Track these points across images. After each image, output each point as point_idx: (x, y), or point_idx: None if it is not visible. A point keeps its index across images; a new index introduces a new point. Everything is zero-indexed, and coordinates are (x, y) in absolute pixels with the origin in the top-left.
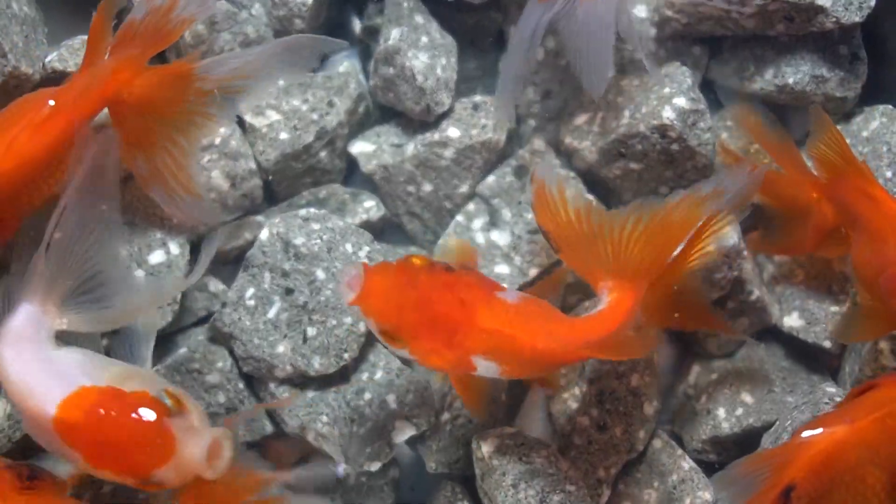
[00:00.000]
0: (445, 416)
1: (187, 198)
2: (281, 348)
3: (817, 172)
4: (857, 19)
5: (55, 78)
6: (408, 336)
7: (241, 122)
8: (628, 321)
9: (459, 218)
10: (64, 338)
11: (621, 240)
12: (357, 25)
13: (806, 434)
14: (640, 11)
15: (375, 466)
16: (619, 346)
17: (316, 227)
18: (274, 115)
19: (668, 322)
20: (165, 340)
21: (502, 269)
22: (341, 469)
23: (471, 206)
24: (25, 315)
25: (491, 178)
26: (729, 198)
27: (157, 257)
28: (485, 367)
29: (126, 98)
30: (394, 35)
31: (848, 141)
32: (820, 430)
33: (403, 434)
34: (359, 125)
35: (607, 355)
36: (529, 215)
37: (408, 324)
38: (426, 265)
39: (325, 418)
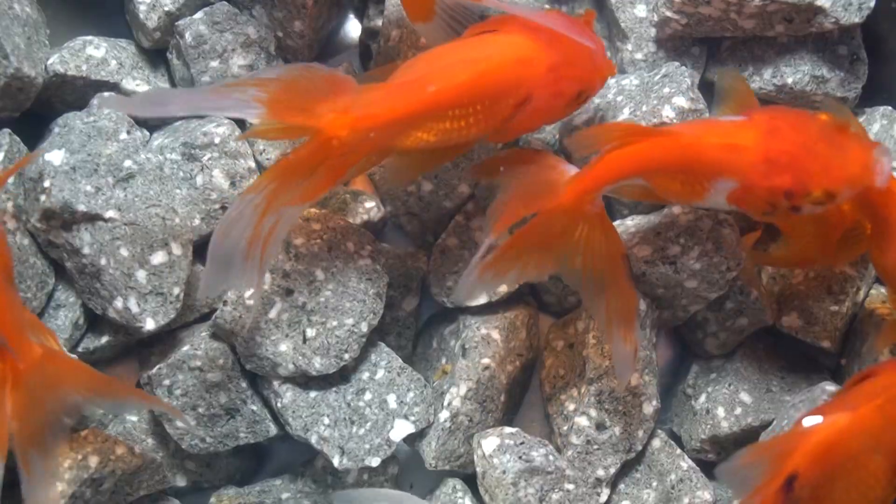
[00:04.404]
0: (444, 413)
1: None
2: (283, 347)
3: None
4: (856, 20)
5: (57, 82)
6: None
7: (241, 123)
8: None
9: (459, 218)
10: None
11: None
12: (357, 26)
13: (807, 422)
14: (640, 11)
15: (375, 462)
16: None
17: (317, 227)
18: None
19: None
20: (168, 337)
21: None
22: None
23: (470, 206)
24: None
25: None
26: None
27: (159, 258)
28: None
29: None
30: (393, 36)
31: None
32: (820, 418)
33: (402, 432)
34: None
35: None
36: None
37: None
38: None
39: (326, 420)
